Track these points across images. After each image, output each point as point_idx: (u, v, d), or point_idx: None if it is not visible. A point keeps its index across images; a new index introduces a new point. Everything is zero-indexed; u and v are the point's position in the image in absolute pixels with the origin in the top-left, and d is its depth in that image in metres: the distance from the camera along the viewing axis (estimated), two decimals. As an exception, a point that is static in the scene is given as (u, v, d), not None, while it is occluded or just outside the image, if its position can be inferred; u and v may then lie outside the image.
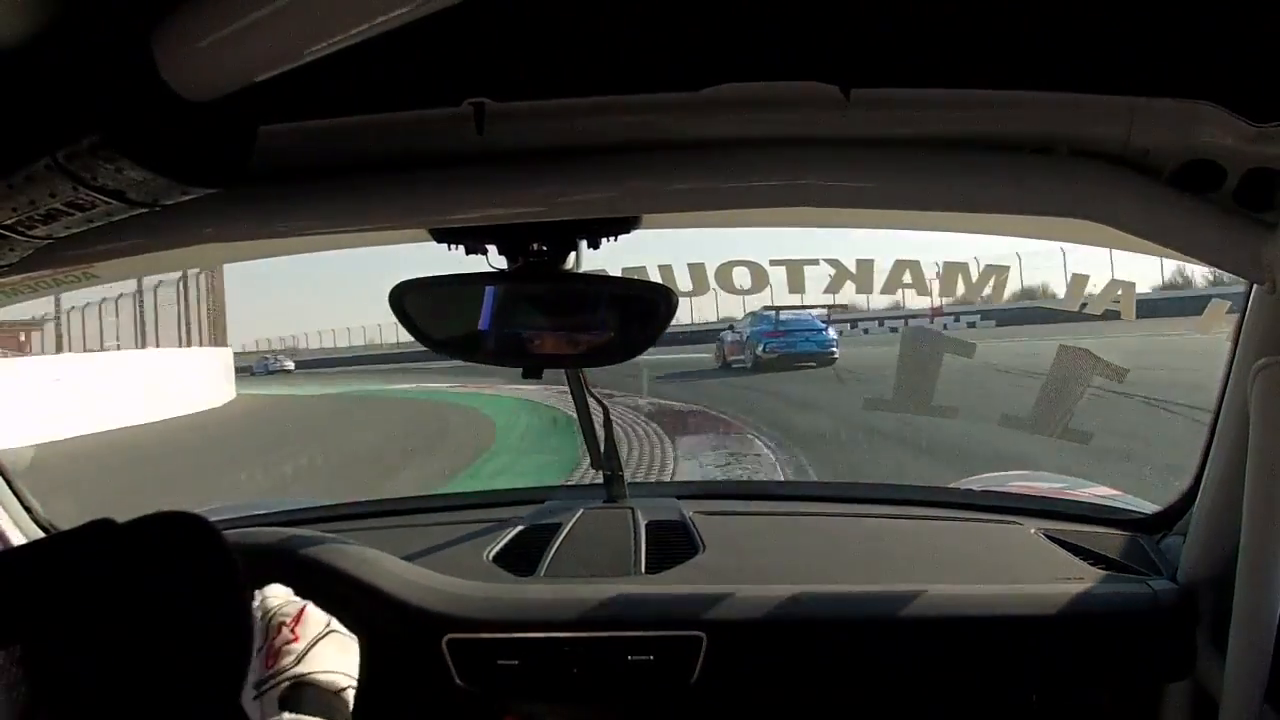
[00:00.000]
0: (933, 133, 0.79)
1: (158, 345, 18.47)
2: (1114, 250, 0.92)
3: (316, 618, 0.90)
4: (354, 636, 0.92)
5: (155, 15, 0.47)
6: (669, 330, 0.99)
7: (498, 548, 1.46)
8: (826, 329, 14.90)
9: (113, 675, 0.58)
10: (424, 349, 1.04)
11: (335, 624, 0.91)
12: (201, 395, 15.80)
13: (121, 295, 18.43)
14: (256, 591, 0.92)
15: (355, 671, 0.90)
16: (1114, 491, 1.72)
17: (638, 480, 1.78)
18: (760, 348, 14.73)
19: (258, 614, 0.88)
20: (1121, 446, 5.63)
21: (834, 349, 14.61)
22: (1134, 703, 1.30)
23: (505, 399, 12.35)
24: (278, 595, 0.93)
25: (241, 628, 0.66)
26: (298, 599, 0.91)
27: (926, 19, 0.67)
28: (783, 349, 14.57)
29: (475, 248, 0.96)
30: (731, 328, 16.32)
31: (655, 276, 1.01)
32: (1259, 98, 0.71)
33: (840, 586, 1.29)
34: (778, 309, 14.59)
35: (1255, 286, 0.94)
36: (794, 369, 14.08)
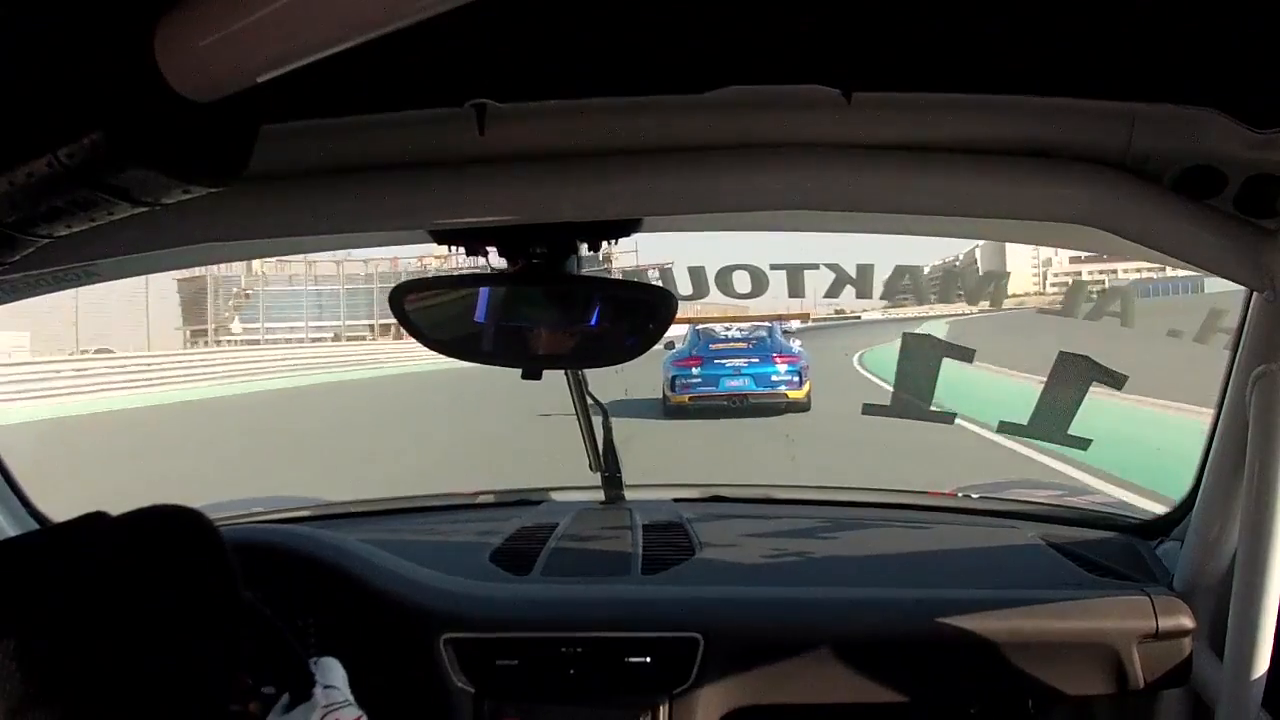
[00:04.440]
0: (934, 137, 0.79)
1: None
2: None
3: None
4: None
5: (156, 14, 0.47)
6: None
7: (496, 547, 1.46)
8: (775, 357, 9.74)
9: (104, 670, 0.58)
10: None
11: None
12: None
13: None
14: (314, 660, 0.93)
15: None
16: (1112, 498, 1.72)
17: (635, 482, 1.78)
18: (670, 382, 9.75)
19: (318, 695, 0.90)
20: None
21: (786, 386, 9.54)
22: (1131, 709, 1.30)
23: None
24: (340, 683, 0.95)
25: (233, 624, 0.66)
26: (356, 706, 0.95)
27: (928, 23, 0.67)
28: (698, 387, 9.64)
29: (475, 249, 0.96)
30: (670, 345, 10.57)
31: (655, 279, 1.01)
32: (1260, 104, 0.71)
33: (837, 590, 1.29)
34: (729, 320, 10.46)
35: (1255, 293, 0.94)
36: (723, 416, 9.28)
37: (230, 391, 15.92)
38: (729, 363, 9.77)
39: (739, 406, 9.56)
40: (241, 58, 0.47)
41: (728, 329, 10.38)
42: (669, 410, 9.68)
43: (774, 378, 9.65)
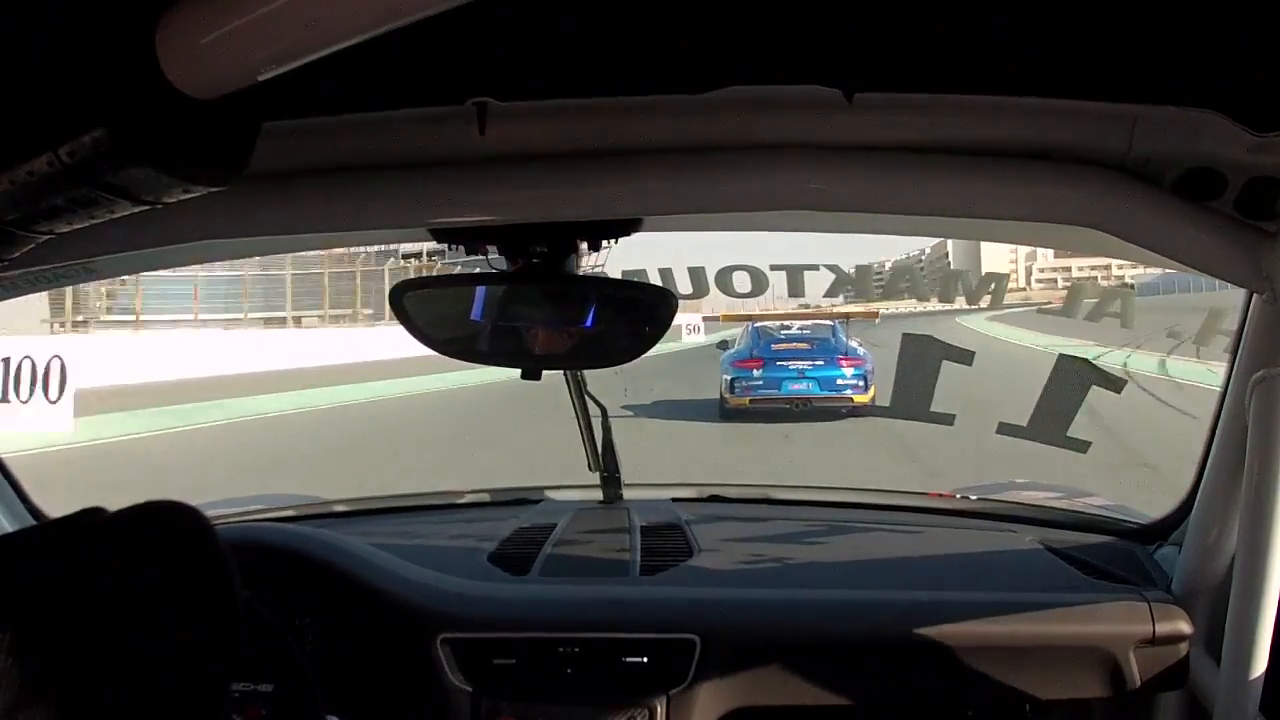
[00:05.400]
0: (935, 138, 0.79)
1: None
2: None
3: None
4: None
5: (158, 12, 0.47)
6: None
7: (494, 547, 1.46)
8: (840, 359, 9.02)
9: (100, 668, 0.58)
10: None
11: None
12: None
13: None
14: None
15: None
16: (1110, 501, 1.72)
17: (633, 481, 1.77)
18: (729, 384, 9.12)
19: None
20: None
21: (852, 390, 8.76)
22: (1128, 713, 1.30)
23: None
24: None
25: (230, 623, 0.66)
26: None
27: (930, 24, 0.67)
28: (759, 390, 8.95)
29: (476, 248, 0.96)
30: (724, 344, 10.19)
31: (655, 280, 1.01)
32: (1261, 107, 0.71)
33: (834, 592, 1.29)
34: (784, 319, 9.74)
35: (1255, 296, 0.94)
36: (784, 420, 8.45)
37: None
38: (792, 364, 9.08)
39: (801, 410, 8.82)
40: (242, 55, 0.47)
41: (786, 327, 9.76)
42: (726, 413, 9.12)
43: (839, 381, 8.92)
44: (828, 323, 9.82)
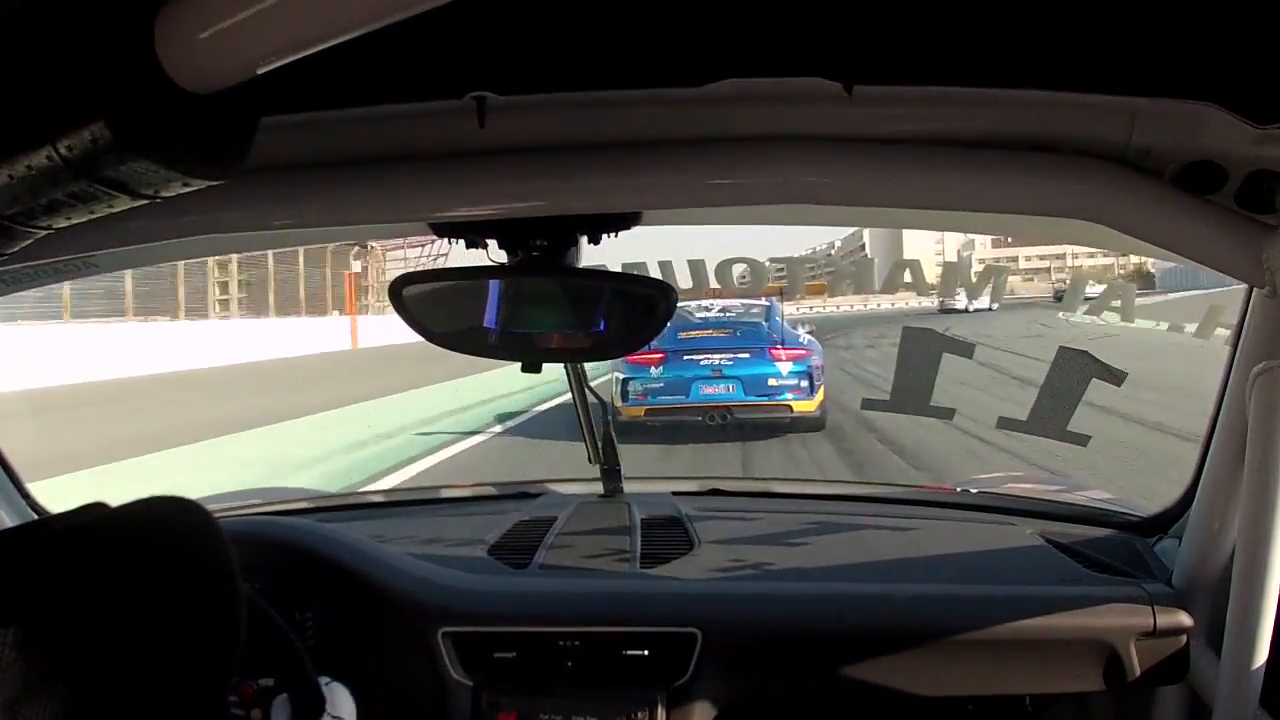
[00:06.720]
0: (934, 131, 0.79)
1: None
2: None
3: None
4: None
5: (156, 6, 0.46)
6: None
7: (494, 540, 1.46)
8: (773, 350, 6.53)
9: (102, 662, 0.58)
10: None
11: None
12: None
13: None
14: (325, 682, 0.94)
15: None
16: (1110, 494, 1.73)
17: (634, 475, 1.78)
18: (620, 387, 6.58)
19: None
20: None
21: (791, 393, 6.39)
22: (1128, 706, 1.30)
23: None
24: (349, 716, 0.99)
25: (232, 617, 0.66)
26: None
27: (929, 16, 0.67)
28: (659, 395, 6.50)
29: (475, 242, 0.96)
30: None
31: (655, 272, 1.01)
32: (1262, 100, 0.71)
33: (835, 585, 1.30)
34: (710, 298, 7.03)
35: (1255, 290, 0.94)
36: (696, 439, 6.37)
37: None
38: (705, 358, 6.54)
39: (718, 424, 6.50)
40: (241, 50, 0.47)
41: (706, 308, 7.22)
42: (620, 428, 5.39)
43: (772, 381, 6.43)
44: (760, 302, 7.30)
